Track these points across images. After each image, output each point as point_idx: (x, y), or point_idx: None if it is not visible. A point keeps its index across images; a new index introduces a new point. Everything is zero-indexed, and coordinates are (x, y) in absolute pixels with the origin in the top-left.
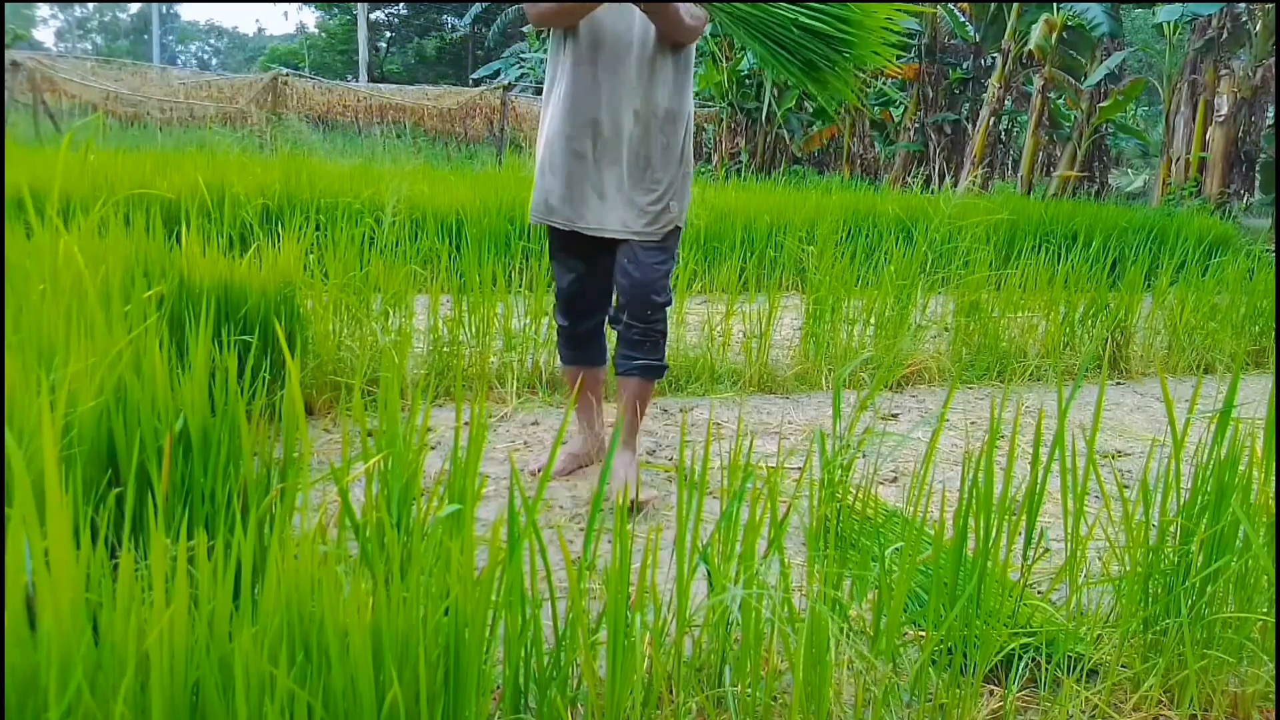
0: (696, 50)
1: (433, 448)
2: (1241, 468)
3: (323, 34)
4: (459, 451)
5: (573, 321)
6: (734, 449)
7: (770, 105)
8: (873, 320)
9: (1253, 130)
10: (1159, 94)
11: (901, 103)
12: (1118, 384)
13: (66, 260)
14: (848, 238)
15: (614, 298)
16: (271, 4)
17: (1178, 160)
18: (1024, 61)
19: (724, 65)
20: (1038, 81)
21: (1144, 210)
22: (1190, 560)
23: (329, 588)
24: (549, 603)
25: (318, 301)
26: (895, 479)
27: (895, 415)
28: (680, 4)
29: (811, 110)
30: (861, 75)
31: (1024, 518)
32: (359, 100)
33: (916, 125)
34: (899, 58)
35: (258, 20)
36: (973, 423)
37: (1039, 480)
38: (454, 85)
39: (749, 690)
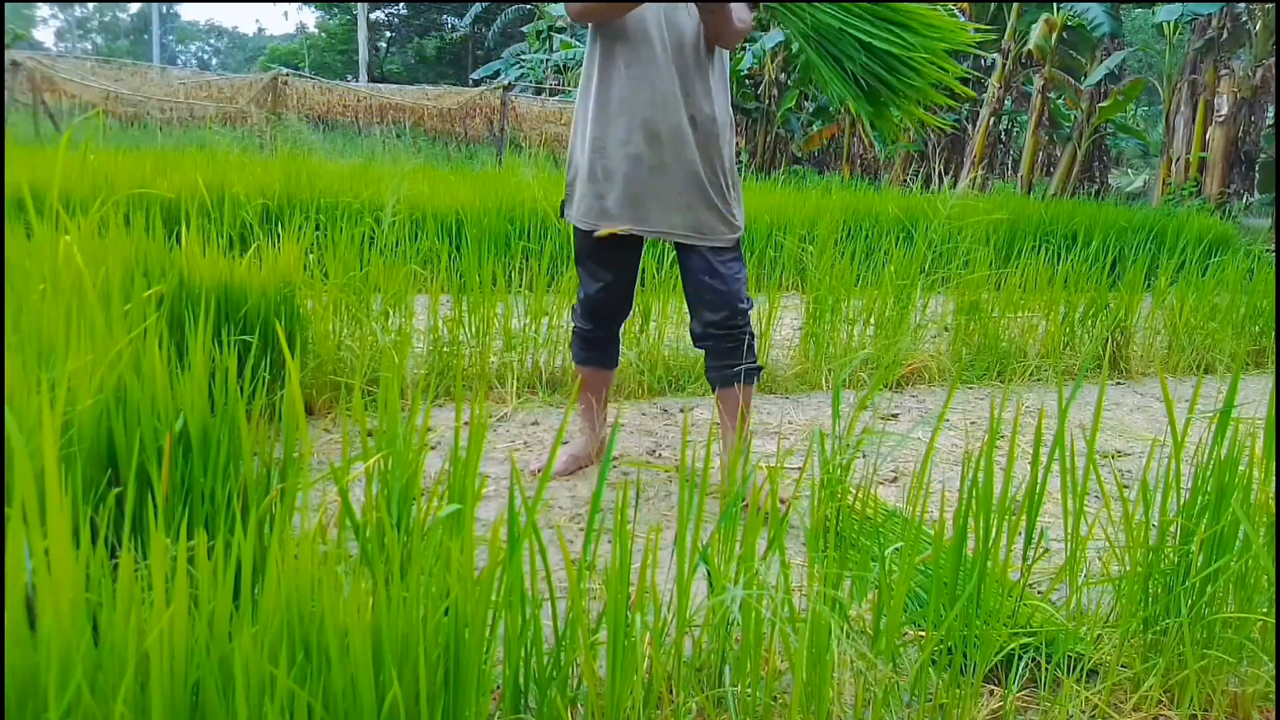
0: None
1: (433, 448)
2: (1241, 468)
3: (323, 34)
4: (459, 451)
5: (595, 326)
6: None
7: (770, 105)
8: (873, 320)
9: (1253, 130)
10: (1159, 94)
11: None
12: (1118, 384)
13: (66, 260)
14: (847, 238)
15: (629, 306)
16: (271, 4)
17: (1178, 160)
18: (1024, 61)
19: None
20: (1038, 81)
21: (1144, 210)
22: (1190, 560)
23: (329, 588)
24: (549, 603)
25: (318, 301)
26: (895, 479)
27: (895, 415)
28: (732, 3)
29: (811, 110)
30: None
31: (1024, 518)
32: (359, 100)
33: (916, 125)
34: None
35: (258, 20)
36: (973, 423)
37: (1039, 480)
38: (454, 85)
39: (749, 690)
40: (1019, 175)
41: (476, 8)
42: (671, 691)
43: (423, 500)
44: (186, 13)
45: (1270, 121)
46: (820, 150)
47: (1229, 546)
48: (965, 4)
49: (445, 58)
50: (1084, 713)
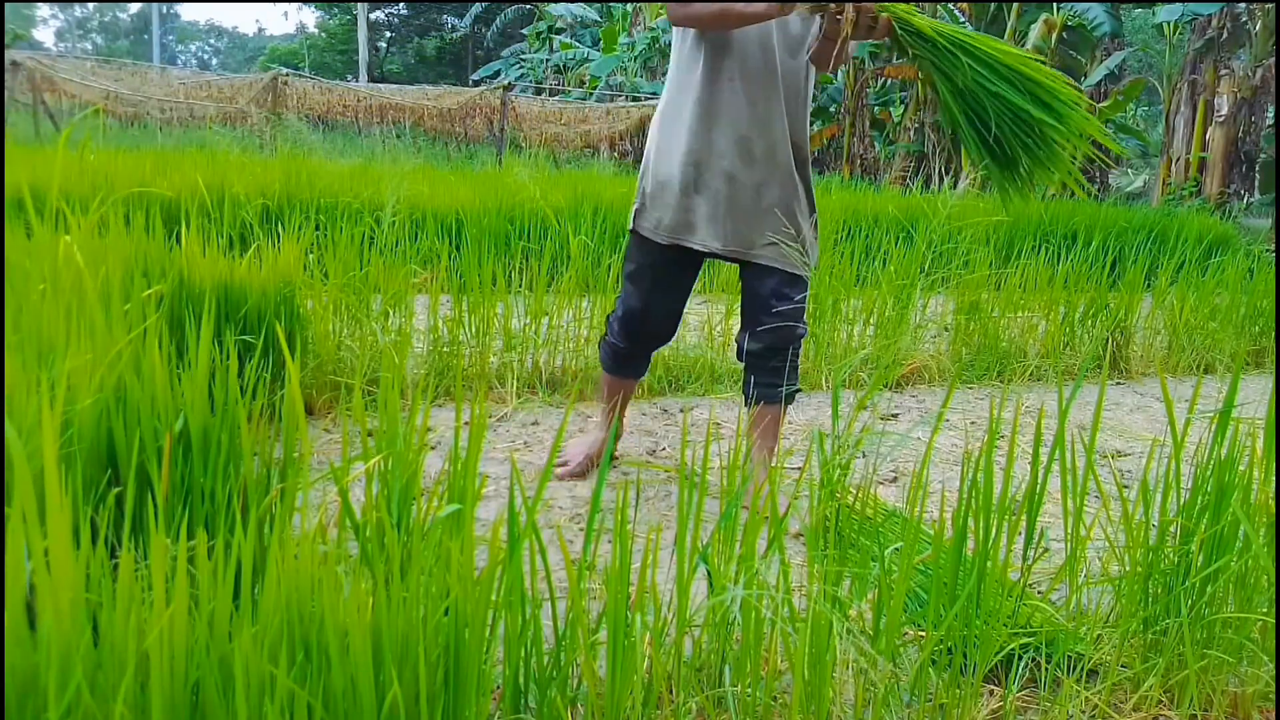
0: None
1: (433, 448)
2: (1241, 468)
3: (323, 34)
4: (459, 451)
5: (633, 345)
6: (734, 449)
7: None
8: (872, 320)
9: (1253, 130)
10: (1159, 94)
11: (902, 102)
12: (1118, 384)
13: (66, 260)
14: (847, 237)
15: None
16: (271, 4)
17: (1178, 160)
18: None
19: None
20: None
21: (1144, 210)
22: (1190, 560)
23: (329, 588)
24: (549, 603)
25: (318, 301)
26: (895, 479)
27: (895, 415)
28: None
29: (811, 110)
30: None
31: (1024, 518)
32: (359, 100)
33: (916, 125)
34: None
35: (258, 20)
36: (972, 423)
37: (1039, 480)
38: (454, 85)
39: (749, 690)
40: None
41: (476, 8)
42: (671, 691)
43: (423, 500)
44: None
45: (1270, 121)
46: (820, 150)
47: (1229, 546)
48: (965, 4)
49: (445, 58)
50: (1084, 713)
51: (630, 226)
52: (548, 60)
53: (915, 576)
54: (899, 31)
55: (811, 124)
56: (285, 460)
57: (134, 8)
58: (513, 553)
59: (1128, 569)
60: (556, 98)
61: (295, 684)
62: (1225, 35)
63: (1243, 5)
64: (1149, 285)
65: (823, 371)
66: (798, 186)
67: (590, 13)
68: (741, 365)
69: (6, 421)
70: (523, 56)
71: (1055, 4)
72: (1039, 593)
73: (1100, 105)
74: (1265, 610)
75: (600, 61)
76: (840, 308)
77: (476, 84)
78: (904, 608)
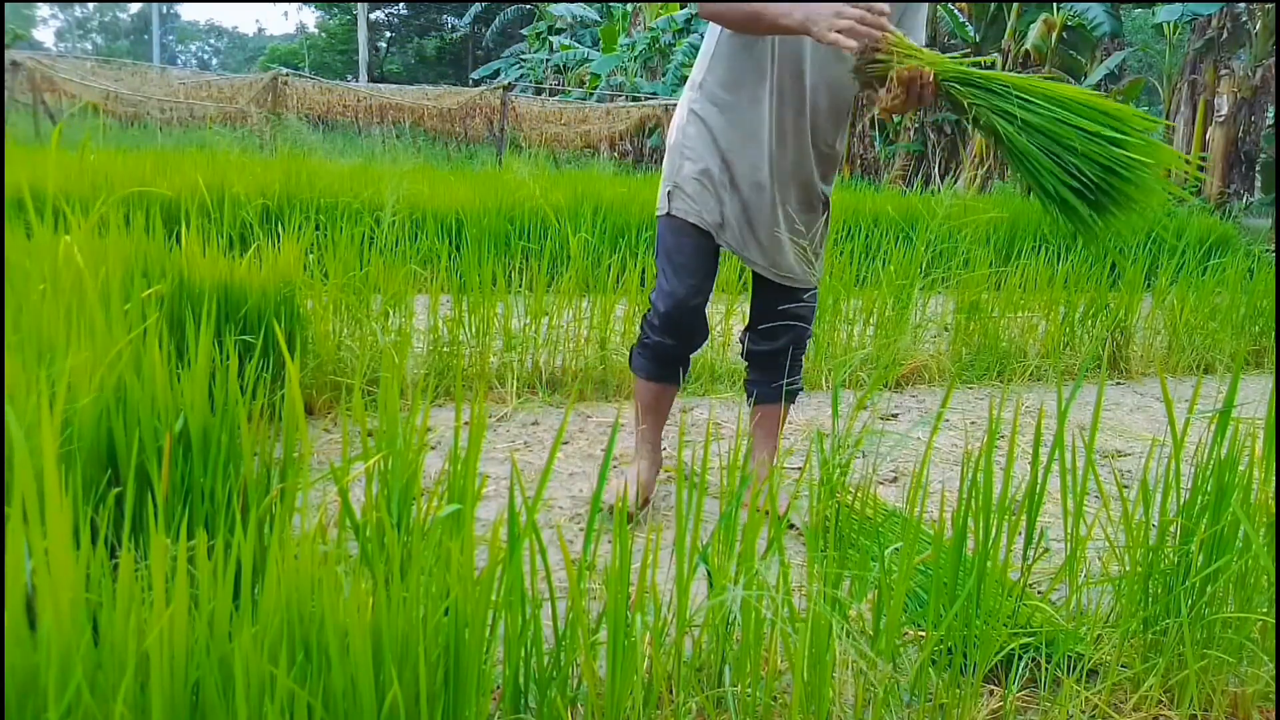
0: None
1: (433, 448)
2: (1241, 468)
3: (323, 34)
4: (459, 451)
5: (679, 341)
6: (733, 449)
7: None
8: (872, 320)
9: (1253, 130)
10: (1159, 94)
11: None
12: (1117, 384)
13: (66, 260)
14: (847, 237)
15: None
16: (271, 4)
17: None
18: (1024, 61)
19: None
20: None
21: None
22: (1190, 560)
23: (329, 588)
24: (549, 603)
25: (317, 301)
26: (895, 479)
27: (895, 415)
28: None
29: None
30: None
31: (1024, 517)
32: (359, 100)
33: (916, 125)
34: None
35: (258, 20)
36: (972, 423)
37: (1039, 480)
38: (454, 85)
39: (749, 690)
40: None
41: (476, 8)
42: (671, 691)
43: (423, 500)
44: (186, 13)
45: (1270, 121)
46: None
47: (1229, 546)
48: (965, 4)
49: (445, 58)
50: (1084, 713)
51: (664, 212)
52: (548, 60)
53: (915, 576)
54: (950, 87)
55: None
56: (285, 460)
57: (134, 8)
58: (513, 553)
59: (1128, 569)
60: (556, 98)
61: (295, 684)
62: (1225, 35)
63: (1243, 5)
64: (1149, 285)
65: (822, 371)
66: (818, 201)
67: (590, 13)
68: (741, 364)
69: (10, 417)
70: (523, 56)
71: (1055, 4)
72: (1039, 593)
73: None
74: (1265, 610)
75: (600, 61)
76: (840, 308)
77: (476, 84)
78: (904, 608)
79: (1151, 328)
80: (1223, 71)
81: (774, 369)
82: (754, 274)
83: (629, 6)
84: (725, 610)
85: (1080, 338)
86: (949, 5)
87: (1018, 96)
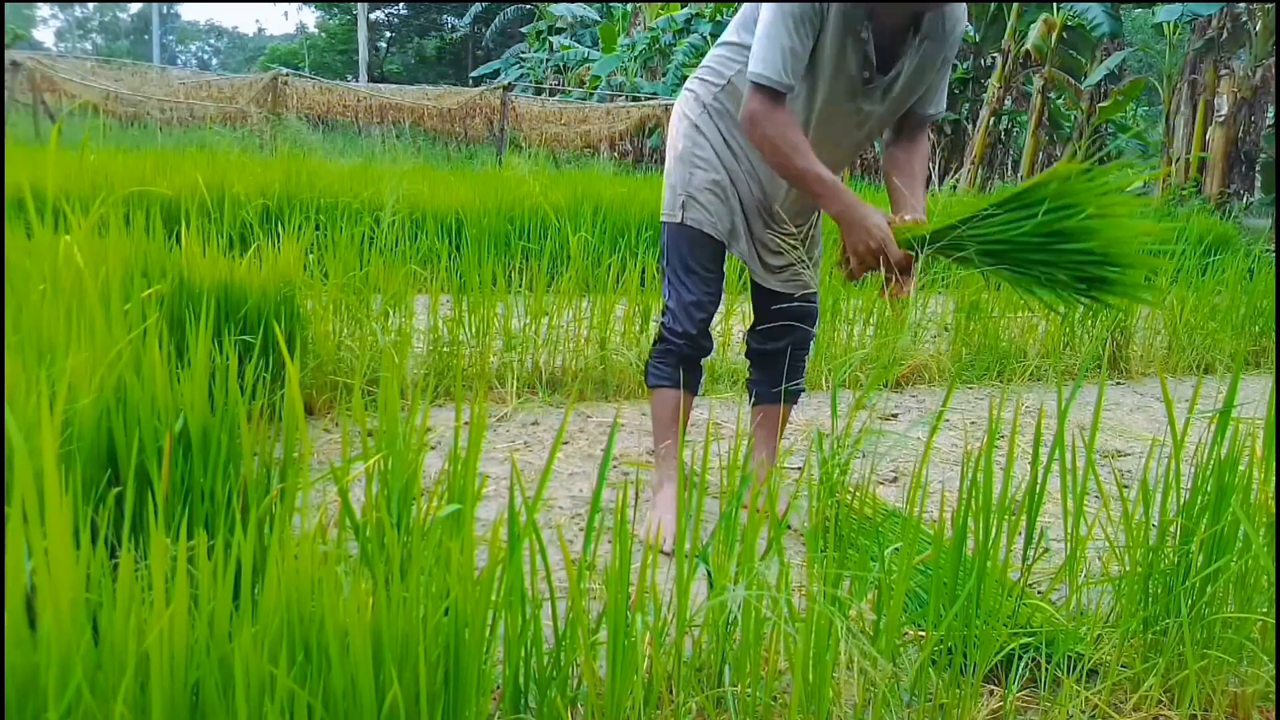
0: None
1: (433, 448)
2: (1241, 468)
3: (323, 34)
4: (459, 451)
5: (703, 346)
6: (733, 449)
7: None
8: (872, 320)
9: (1253, 130)
10: (1159, 94)
11: None
12: (1117, 384)
13: (66, 260)
14: None
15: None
16: (271, 4)
17: (1178, 160)
18: (1024, 61)
19: None
20: (1038, 81)
21: (1144, 210)
22: (1190, 560)
23: (329, 588)
24: (549, 603)
25: (317, 301)
26: (895, 479)
27: (895, 415)
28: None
29: None
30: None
31: (1024, 517)
32: (359, 100)
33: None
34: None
35: (258, 20)
36: (972, 422)
37: (1039, 480)
38: (454, 85)
39: (749, 690)
40: (1019, 175)
41: (476, 8)
42: (671, 691)
43: (423, 500)
44: (186, 13)
45: (1270, 121)
46: None
47: (1229, 546)
48: (965, 4)
49: (445, 58)
50: (1084, 713)
51: (677, 220)
52: (548, 60)
53: (915, 576)
54: (935, 247)
55: None
56: (285, 460)
57: (134, 8)
58: (513, 553)
59: (1128, 569)
60: (556, 98)
61: (295, 684)
62: (1225, 35)
63: (1243, 5)
64: (1149, 285)
65: (822, 371)
66: (815, 221)
67: (590, 13)
68: (741, 364)
69: (10, 417)
70: (523, 56)
71: (1055, 4)
72: (1039, 593)
73: (1100, 105)
74: (1265, 610)
75: (601, 62)
76: (840, 308)
77: (476, 84)
78: (904, 608)
79: (1151, 328)
80: (1223, 71)
81: (775, 369)
82: (752, 276)
83: (629, 6)
84: (725, 610)
85: (1080, 338)
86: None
87: (971, 234)
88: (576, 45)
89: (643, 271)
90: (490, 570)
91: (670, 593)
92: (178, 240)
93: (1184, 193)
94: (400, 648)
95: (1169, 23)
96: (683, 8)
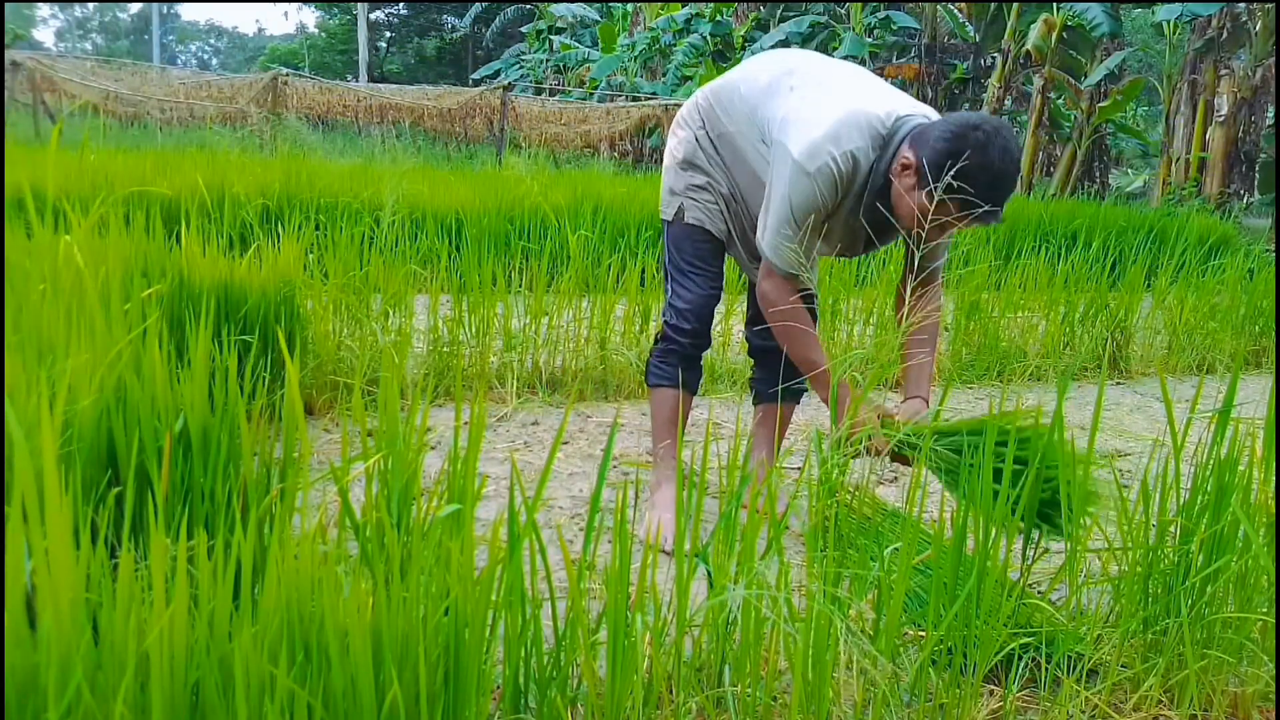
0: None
1: (433, 448)
2: (1241, 468)
3: (323, 34)
4: (459, 451)
5: (703, 342)
6: (733, 449)
7: None
8: (872, 320)
9: (1253, 130)
10: (1159, 94)
11: None
12: (1117, 384)
13: (66, 260)
14: None
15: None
16: (271, 4)
17: (1178, 160)
18: (1024, 61)
19: (723, 66)
20: (1037, 81)
21: (1144, 210)
22: (1190, 560)
23: (329, 588)
24: (549, 603)
25: (317, 301)
26: (895, 479)
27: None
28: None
29: None
30: None
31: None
32: (359, 100)
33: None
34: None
35: (258, 20)
36: None
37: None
38: (454, 85)
39: (749, 690)
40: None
41: (476, 8)
42: (671, 691)
43: (423, 500)
44: (186, 13)
45: (1270, 121)
46: None
47: (1229, 546)
48: (965, 4)
49: (445, 58)
50: (1084, 713)
51: (675, 219)
52: (548, 60)
53: (915, 576)
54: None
55: None
56: (285, 460)
57: (134, 8)
58: (513, 553)
59: (1127, 569)
60: (556, 98)
61: (295, 684)
62: (1225, 35)
63: (1243, 5)
64: (1149, 285)
65: None
66: None
67: (590, 13)
68: (741, 364)
69: (10, 417)
70: (523, 56)
71: (1055, 4)
72: (1039, 592)
73: (1100, 105)
74: (1265, 610)
75: (601, 62)
76: (840, 308)
77: (476, 84)
78: (904, 607)
79: (1151, 328)
80: (1223, 71)
81: (777, 368)
82: (748, 276)
83: (629, 6)
84: (725, 610)
85: (1080, 338)
86: (949, 5)
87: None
88: (576, 45)
89: (643, 271)
90: (490, 570)
91: (670, 592)
92: (178, 240)
93: (1184, 193)
94: (400, 648)
95: (1169, 22)
96: (683, 8)
